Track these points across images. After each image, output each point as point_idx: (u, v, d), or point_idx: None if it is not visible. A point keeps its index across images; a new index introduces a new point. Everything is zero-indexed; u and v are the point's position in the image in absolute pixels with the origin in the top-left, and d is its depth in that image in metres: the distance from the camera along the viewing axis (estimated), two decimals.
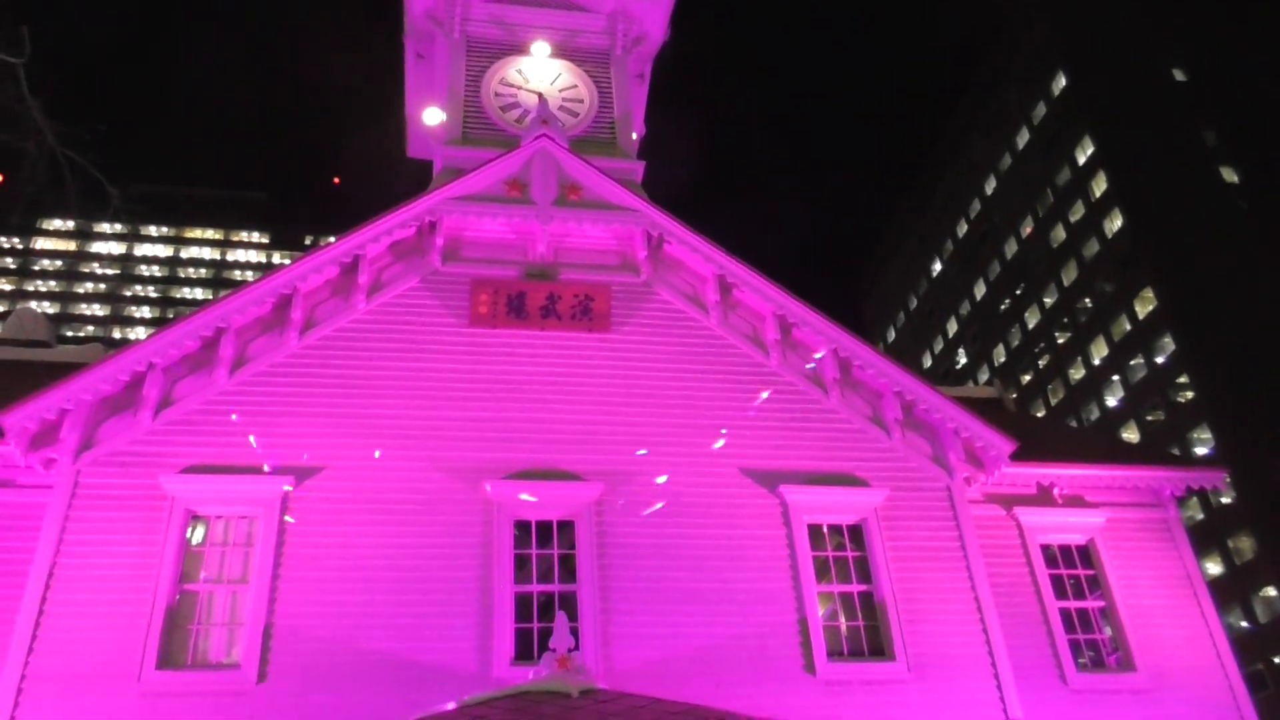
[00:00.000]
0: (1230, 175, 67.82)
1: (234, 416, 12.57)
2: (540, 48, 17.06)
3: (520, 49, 17.06)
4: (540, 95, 16.21)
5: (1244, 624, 55.56)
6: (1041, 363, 77.41)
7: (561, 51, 17.22)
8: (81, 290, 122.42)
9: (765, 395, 13.97)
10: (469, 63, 16.72)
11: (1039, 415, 70.20)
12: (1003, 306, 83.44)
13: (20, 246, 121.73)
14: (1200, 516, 58.57)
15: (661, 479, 13.01)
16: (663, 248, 14.74)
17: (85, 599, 11.17)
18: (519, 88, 16.69)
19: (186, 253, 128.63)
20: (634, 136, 16.86)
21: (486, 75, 16.62)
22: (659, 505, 12.82)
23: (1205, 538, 56.44)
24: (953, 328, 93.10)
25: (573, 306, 14.10)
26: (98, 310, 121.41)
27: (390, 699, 10.96)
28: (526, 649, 11.66)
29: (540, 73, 16.92)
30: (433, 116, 17.77)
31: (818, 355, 14.22)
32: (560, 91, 16.78)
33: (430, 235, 14.19)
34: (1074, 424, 68.44)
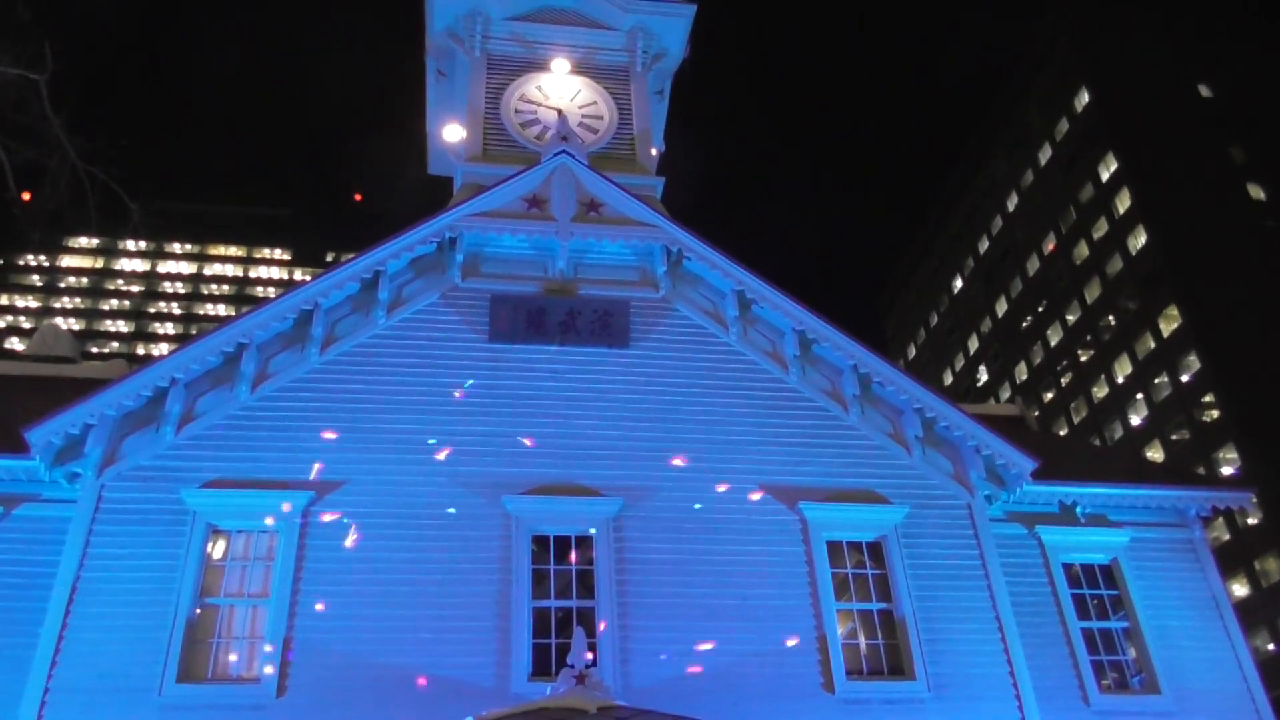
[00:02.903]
0: (1257, 192, 67.25)
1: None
2: (560, 64, 17.15)
3: (540, 66, 17.15)
4: (560, 112, 16.30)
5: (1270, 647, 54.77)
6: (1064, 380, 76.83)
7: (581, 68, 17.30)
8: (106, 307, 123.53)
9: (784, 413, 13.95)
10: (489, 80, 16.81)
11: (1061, 433, 69.65)
12: (1025, 324, 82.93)
13: (46, 264, 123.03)
14: (1226, 537, 57.85)
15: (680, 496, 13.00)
16: (682, 263, 14.75)
17: (108, 612, 11.26)
18: (539, 104, 16.77)
19: (210, 269, 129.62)
20: (653, 153, 16.91)
21: (506, 92, 16.72)
22: (676, 522, 12.81)
23: (1231, 559, 55.71)
24: (974, 345, 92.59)
25: (592, 322, 14.12)
26: (122, 327, 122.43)
27: (408, 714, 10.96)
28: (544, 665, 11.64)
29: (560, 89, 17.01)
30: (453, 133, 17.88)
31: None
32: (580, 108, 16.86)
33: (450, 251, 14.26)
34: (1097, 442, 67.85)
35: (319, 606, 11.61)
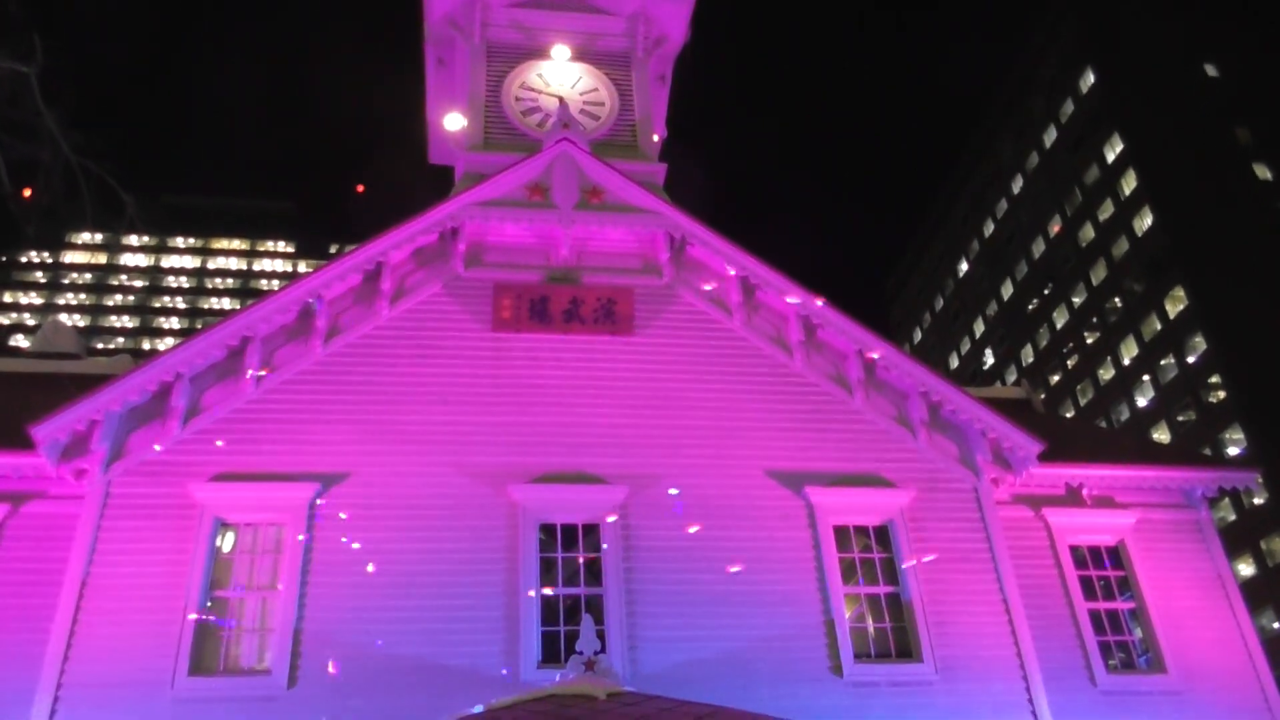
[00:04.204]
0: (1264, 173, 66.92)
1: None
2: (560, 51, 17.08)
3: (540, 53, 17.08)
4: (561, 99, 16.24)
5: (1276, 626, 54.79)
6: (1070, 363, 76.70)
7: (582, 54, 17.21)
8: (110, 303, 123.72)
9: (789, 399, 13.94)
10: (489, 67, 16.75)
11: (1068, 416, 69.56)
12: (1030, 307, 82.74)
13: (49, 260, 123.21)
14: (1232, 517, 57.82)
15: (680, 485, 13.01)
16: (685, 250, 14.72)
17: (118, 607, 11.30)
18: (540, 92, 16.71)
19: (213, 263, 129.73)
20: (655, 139, 16.84)
21: (507, 80, 16.66)
22: (682, 508, 12.82)
23: (1237, 539, 55.69)
24: (980, 328, 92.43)
25: (595, 310, 14.11)
26: (127, 322, 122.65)
27: (418, 703, 10.99)
28: (553, 652, 11.68)
29: (561, 76, 16.95)
30: (454, 122, 17.82)
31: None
32: (581, 95, 16.80)
33: (452, 241, 14.25)
34: (1104, 424, 67.76)
35: (327, 598, 11.64)
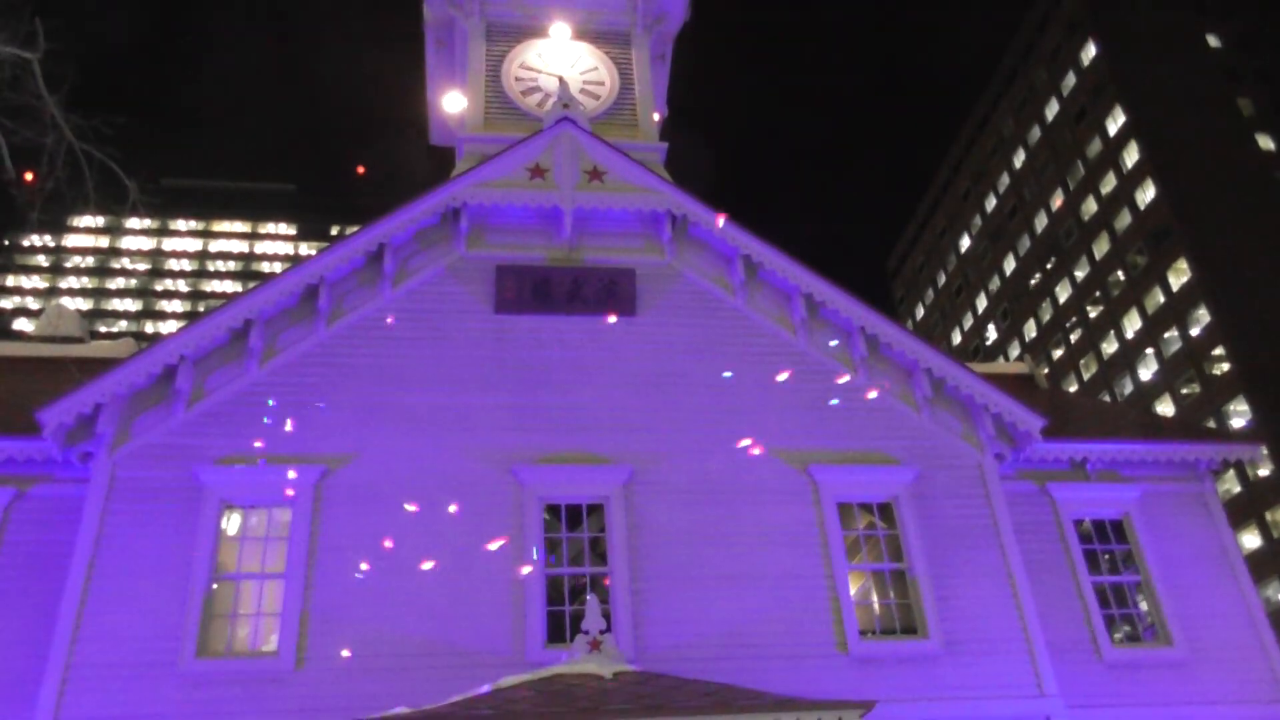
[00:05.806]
0: (1267, 143, 66.65)
1: (270, 401, 12.68)
2: (560, 30, 16.97)
3: (540, 32, 16.98)
4: (561, 78, 16.14)
5: None
6: (1073, 337, 76.61)
7: (582, 33, 17.11)
8: (113, 286, 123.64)
9: (787, 375, 13.92)
10: (489, 47, 16.66)
11: (1071, 390, 69.52)
12: (1033, 281, 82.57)
13: (51, 244, 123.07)
14: (1237, 489, 57.90)
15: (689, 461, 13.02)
16: (687, 229, 14.68)
17: (125, 589, 11.33)
18: (539, 71, 16.62)
19: (215, 246, 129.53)
20: (656, 118, 16.76)
21: (506, 60, 16.57)
22: (687, 487, 12.83)
23: (1242, 511, 55.81)
24: (982, 304, 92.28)
25: (598, 290, 14.09)
26: (129, 305, 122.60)
27: (425, 683, 11.03)
28: (559, 632, 11.72)
29: (560, 55, 16.84)
30: (454, 103, 17.75)
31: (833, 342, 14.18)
32: (581, 74, 16.70)
33: (454, 222, 14.21)
34: (1107, 398, 67.73)
35: (334, 579, 11.67)
